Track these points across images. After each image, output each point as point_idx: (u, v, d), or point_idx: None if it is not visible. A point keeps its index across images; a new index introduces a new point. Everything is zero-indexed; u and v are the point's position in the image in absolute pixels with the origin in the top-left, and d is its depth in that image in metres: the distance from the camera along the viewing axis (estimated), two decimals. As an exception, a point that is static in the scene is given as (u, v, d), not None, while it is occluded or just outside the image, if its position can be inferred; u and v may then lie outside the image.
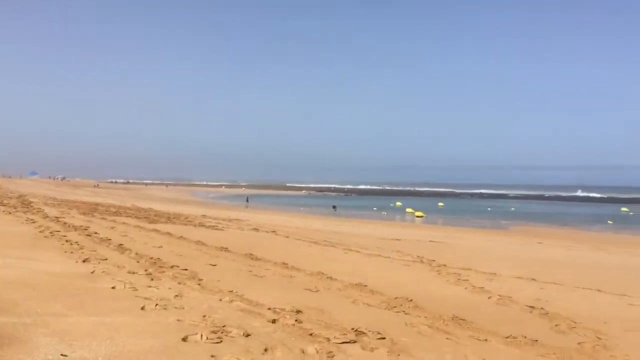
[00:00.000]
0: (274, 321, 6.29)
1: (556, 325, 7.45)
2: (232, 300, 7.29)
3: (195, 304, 6.89)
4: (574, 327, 7.40)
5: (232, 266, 10.92)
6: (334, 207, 62.45)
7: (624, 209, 73.17)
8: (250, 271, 10.37)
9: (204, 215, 30.19)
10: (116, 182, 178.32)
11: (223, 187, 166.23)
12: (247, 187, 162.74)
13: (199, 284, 8.44)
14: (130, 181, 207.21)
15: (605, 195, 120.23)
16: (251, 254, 12.82)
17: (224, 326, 5.85)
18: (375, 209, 63.99)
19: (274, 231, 21.47)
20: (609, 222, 48.30)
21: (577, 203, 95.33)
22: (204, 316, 6.23)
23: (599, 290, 11.26)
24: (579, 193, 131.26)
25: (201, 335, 5.40)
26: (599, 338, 6.86)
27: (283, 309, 6.96)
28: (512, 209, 71.49)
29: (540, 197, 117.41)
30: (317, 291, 8.77)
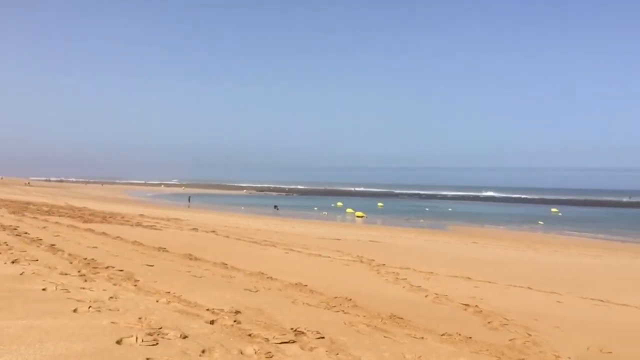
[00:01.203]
0: (212, 322, 6.20)
1: (489, 323, 7.69)
2: (169, 302, 7.15)
3: (131, 306, 6.72)
4: (506, 324, 7.66)
5: (170, 267, 10.71)
6: (275, 206, 62.28)
7: (553, 209, 76.25)
8: (189, 272, 10.20)
9: (141, 215, 29.50)
10: (50, 181, 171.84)
11: (162, 186, 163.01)
12: (186, 186, 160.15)
13: (135, 285, 8.23)
14: (64, 179, 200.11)
15: (536, 197, 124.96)
16: (190, 254, 12.61)
17: (160, 328, 5.73)
18: (316, 208, 64.21)
19: (213, 231, 21.21)
20: (539, 222, 50.17)
21: (511, 204, 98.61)
22: (139, 318, 6.08)
23: (530, 288, 11.69)
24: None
25: (136, 338, 5.26)
26: (529, 334, 7.11)
27: (222, 310, 6.88)
28: (450, 209, 73.25)
29: (476, 198, 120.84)
30: (256, 291, 8.71)
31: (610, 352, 6.55)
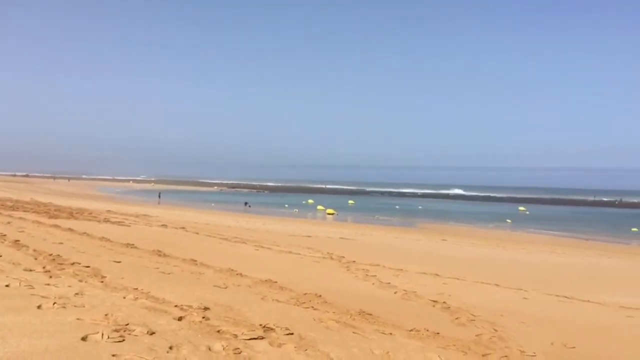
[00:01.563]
0: (180, 318, 6.14)
1: (457, 318, 7.79)
2: (136, 298, 7.06)
3: (97, 302, 6.61)
4: (473, 320, 7.77)
5: (138, 263, 10.57)
6: (246, 203, 61.99)
7: (521, 208, 77.48)
8: (157, 268, 10.09)
9: (109, 211, 29.07)
10: (16, 175, 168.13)
11: (131, 182, 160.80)
12: (156, 182, 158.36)
13: (102, 282, 8.11)
14: (29, 174, 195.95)
15: (505, 195, 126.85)
16: (159, 251, 12.48)
17: (127, 324, 5.65)
18: (287, 206, 64.11)
19: (183, 227, 21.03)
20: (507, 220, 50.95)
21: (480, 202, 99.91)
22: (106, 315, 5.99)
23: (497, 285, 11.88)
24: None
25: (102, 334, 5.19)
26: (495, 330, 7.23)
27: (190, 306, 6.82)
28: (420, 207, 73.89)
29: (446, 197, 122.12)
30: (226, 288, 8.67)
31: (574, 348, 6.70)
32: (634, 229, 43.82)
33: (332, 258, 14.55)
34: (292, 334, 5.97)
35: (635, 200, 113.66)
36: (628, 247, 30.90)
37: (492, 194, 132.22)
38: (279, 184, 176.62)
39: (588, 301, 10.59)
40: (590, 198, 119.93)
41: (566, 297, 10.88)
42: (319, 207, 60.79)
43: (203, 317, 6.25)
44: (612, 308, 10.02)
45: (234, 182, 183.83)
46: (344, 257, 14.80)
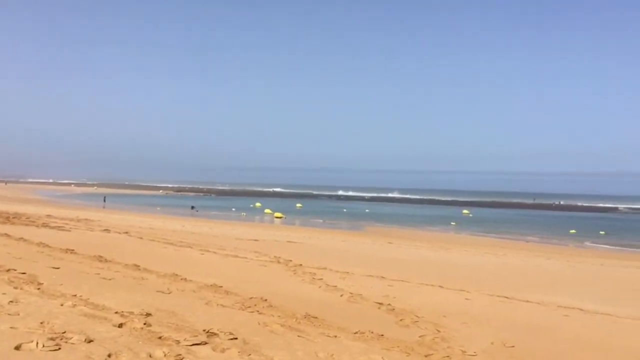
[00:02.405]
0: (120, 325, 5.99)
1: (401, 320, 7.88)
2: (75, 305, 6.84)
3: (33, 310, 6.37)
4: (417, 321, 7.88)
5: (78, 269, 10.26)
6: (192, 207, 61.12)
7: (465, 211, 79.32)
8: (98, 274, 9.81)
9: (49, 215, 28.10)
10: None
11: (72, 185, 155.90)
12: (99, 185, 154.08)
13: (39, 289, 7.81)
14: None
15: (449, 199, 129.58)
16: (100, 256, 12.14)
17: (64, 332, 5.46)
18: (234, 209, 63.52)
19: (126, 232, 20.54)
20: (452, 223, 52.08)
21: (425, 206, 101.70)
22: (41, 322, 5.78)
23: (441, 287, 12.10)
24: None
25: (37, 343, 5.00)
26: (438, 331, 7.36)
27: (132, 313, 6.66)
28: (367, 210, 74.59)
29: (392, 200, 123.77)
30: (169, 293, 8.51)
31: (513, 346, 6.89)
32: (572, 231, 45.48)
33: (279, 262, 14.50)
34: (236, 338, 5.91)
35: (573, 203, 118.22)
36: (566, 249, 32.05)
37: (437, 197, 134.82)
38: (226, 187, 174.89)
39: (527, 301, 10.91)
40: (530, 201, 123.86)
41: (507, 297, 11.18)
42: (267, 210, 60.56)
43: (144, 324, 6.11)
44: (550, 308, 10.36)
45: (180, 185, 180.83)
46: (291, 260, 14.77)
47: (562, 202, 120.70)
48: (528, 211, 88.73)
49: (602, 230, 47.21)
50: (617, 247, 34.35)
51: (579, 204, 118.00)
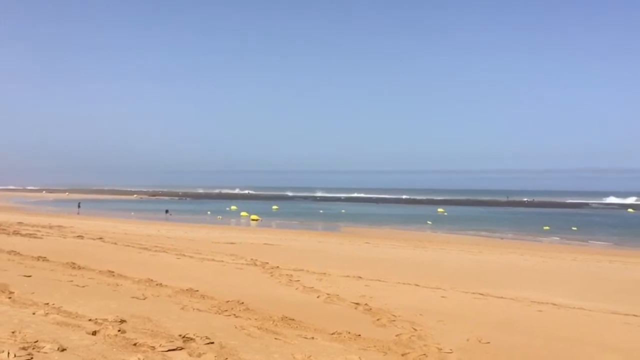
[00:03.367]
0: (94, 333, 5.90)
1: (378, 320, 7.91)
2: (47, 314, 6.72)
3: (4, 320, 6.25)
4: (394, 320, 7.92)
5: (51, 276, 10.09)
6: (166, 211, 60.59)
7: (440, 209, 80.00)
8: (71, 281, 9.67)
9: (20, 223, 27.61)
10: None
11: (44, 192, 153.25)
12: (71, 191, 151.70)
13: (10, 298, 7.67)
14: None
15: (424, 198, 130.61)
16: (73, 263, 11.96)
17: (36, 342, 5.37)
18: (209, 212, 63.13)
19: (100, 238, 20.27)
20: (428, 222, 52.47)
21: (402, 205, 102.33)
22: (13, 332, 5.67)
23: (417, 285, 12.19)
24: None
25: (8, 353, 4.90)
26: (414, 329, 7.40)
27: (106, 320, 6.57)
28: (343, 211, 74.75)
29: (368, 200, 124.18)
30: (144, 299, 8.42)
31: (488, 343, 6.96)
32: (546, 227, 46.17)
33: (255, 264, 14.46)
34: (212, 343, 5.87)
35: (545, 200, 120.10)
36: (540, 245, 32.54)
37: (412, 197, 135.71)
38: (202, 191, 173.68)
39: (502, 297, 11.04)
40: (504, 199, 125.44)
41: (482, 294, 11.31)
42: (243, 213, 60.29)
43: (119, 330, 6.04)
44: (524, 303, 10.50)
45: (155, 189, 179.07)
46: (267, 263, 14.74)
47: (534, 199, 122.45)
48: (502, 209, 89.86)
49: (574, 226, 48.02)
50: (589, 243, 34.97)
51: (551, 200, 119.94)
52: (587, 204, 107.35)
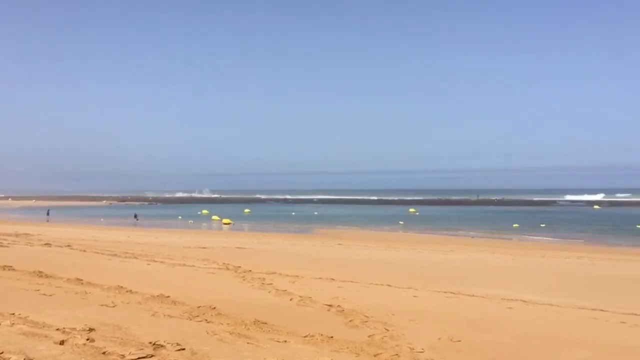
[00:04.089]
0: (62, 342, 5.80)
1: (350, 321, 7.93)
2: (13, 324, 6.58)
3: (-33, 332, 6.09)
4: (366, 321, 7.95)
5: (17, 286, 9.87)
6: (135, 216, 59.89)
7: (411, 209, 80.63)
8: (38, 290, 9.47)
9: (-16, 231, 26.94)
10: None
11: (9, 199, 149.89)
12: (38, 199, 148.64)
13: (-26, 309, 7.48)
14: None
15: (396, 198, 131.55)
16: (40, 272, 11.72)
17: (1, 353, 5.25)
18: (180, 217, 62.54)
19: (68, 245, 19.90)
20: (400, 222, 52.83)
21: (374, 206, 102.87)
22: (-23, 344, 5.53)
23: (389, 285, 12.25)
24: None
25: (-28, 367, 4.78)
26: (387, 329, 7.44)
27: (74, 329, 6.45)
28: (315, 212, 74.78)
29: (341, 201, 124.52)
30: (114, 306, 8.29)
31: (460, 341, 7.03)
32: (515, 225, 46.89)
33: (227, 268, 14.36)
34: (183, 349, 5.81)
35: (514, 198, 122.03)
36: (510, 242, 33.07)
37: (385, 197, 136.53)
38: (173, 195, 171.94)
39: (473, 295, 11.17)
40: (474, 197, 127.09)
41: (453, 293, 11.42)
42: (214, 217, 59.83)
43: (87, 339, 5.94)
44: (494, 301, 10.64)
45: (124, 195, 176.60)
46: (240, 267, 14.66)
47: (504, 198, 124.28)
48: (472, 207, 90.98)
49: (542, 224, 48.89)
50: (557, 239, 35.64)
51: (520, 198, 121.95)
52: (554, 202, 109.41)
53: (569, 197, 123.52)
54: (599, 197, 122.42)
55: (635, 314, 9.59)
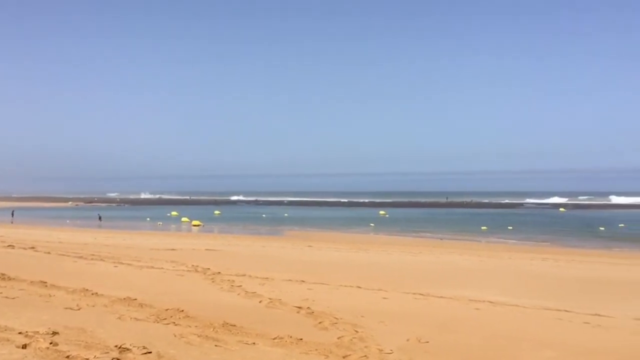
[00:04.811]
0: (24, 346, 5.66)
1: (320, 323, 7.93)
2: (-27, 328, 6.40)
3: None
4: (336, 323, 7.95)
5: (-22, 289, 9.61)
6: (99, 217, 59.01)
7: (381, 212, 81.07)
8: (1, 293, 9.24)
9: (-55, 233, 26.20)
10: None
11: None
12: (1, 199, 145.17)
13: None
14: None
15: (367, 200, 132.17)
16: (2, 274, 11.44)
17: (-40, 358, 5.10)
18: (148, 219, 61.74)
19: (33, 247, 19.47)
20: (371, 224, 53.05)
21: (345, 208, 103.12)
22: None
23: (359, 287, 12.29)
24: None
25: None
26: (356, 331, 7.45)
27: (37, 332, 6.30)
28: (286, 214, 74.61)
29: (311, 203, 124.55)
30: (79, 309, 8.14)
31: (428, 342, 7.09)
32: (484, 227, 47.50)
33: (197, 271, 14.23)
34: (150, 352, 5.73)
35: (484, 200, 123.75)
36: (478, 244, 33.47)
37: (355, 199, 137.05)
38: (142, 197, 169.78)
39: (441, 297, 11.28)
40: (444, 200, 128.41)
41: (422, 294, 11.51)
42: (184, 218, 59.25)
43: (51, 343, 5.81)
44: (462, 302, 10.76)
45: (91, 196, 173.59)
46: (209, 269, 14.53)
47: (473, 200, 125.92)
48: (442, 210, 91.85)
49: (509, 226, 49.64)
50: (524, 241, 36.23)
51: (489, 201, 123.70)
52: (521, 204, 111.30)
53: (534, 200, 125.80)
54: (564, 200, 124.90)
55: (598, 315, 9.81)
